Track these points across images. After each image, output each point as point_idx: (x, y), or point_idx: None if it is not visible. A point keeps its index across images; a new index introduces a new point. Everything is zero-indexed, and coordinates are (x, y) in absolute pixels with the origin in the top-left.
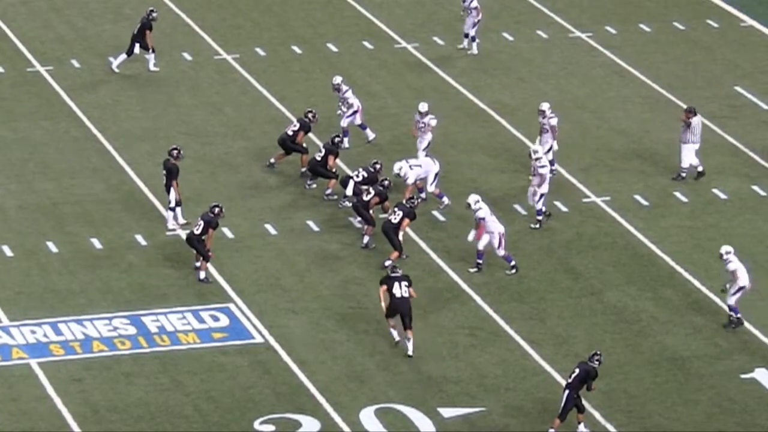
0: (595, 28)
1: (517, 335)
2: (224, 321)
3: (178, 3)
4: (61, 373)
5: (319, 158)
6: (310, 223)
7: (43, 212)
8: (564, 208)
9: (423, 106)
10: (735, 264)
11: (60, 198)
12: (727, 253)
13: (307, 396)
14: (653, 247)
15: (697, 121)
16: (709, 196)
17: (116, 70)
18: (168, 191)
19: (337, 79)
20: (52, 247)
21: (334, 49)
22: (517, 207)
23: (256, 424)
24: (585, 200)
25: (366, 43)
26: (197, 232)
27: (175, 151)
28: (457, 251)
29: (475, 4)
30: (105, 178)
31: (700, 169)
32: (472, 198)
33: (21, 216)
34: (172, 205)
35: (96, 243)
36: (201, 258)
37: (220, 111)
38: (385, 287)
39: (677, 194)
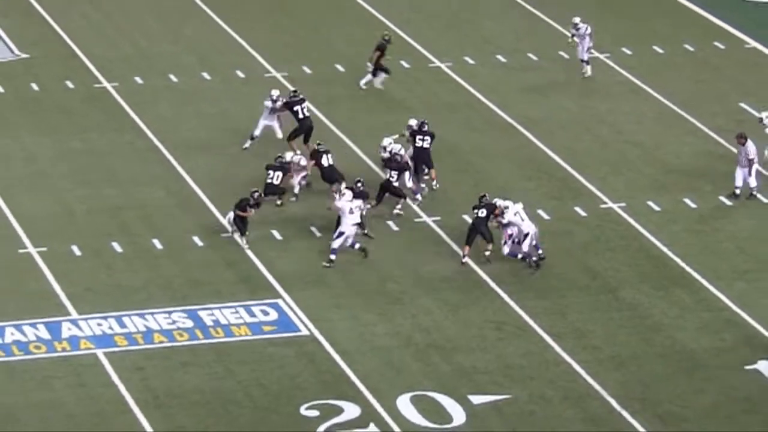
0: (612, 50)
1: (540, 329)
2: (273, 315)
3: (232, 24)
4: (124, 362)
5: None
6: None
7: (109, 215)
8: (583, 213)
9: (385, 141)
10: (509, 216)
11: (124, 203)
12: (505, 208)
13: (348, 384)
14: (665, 249)
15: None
16: (716, 202)
17: (363, 87)
18: (231, 215)
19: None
20: (117, 247)
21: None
22: (540, 212)
23: (302, 410)
24: (602, 206)
25: (403, 62)
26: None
27: (256, 194)
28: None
29: (589, 31)
30: (165, 185)
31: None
32: (501, 202)
33: (89, 219)
34: (230, 228)
35: (157, 243)
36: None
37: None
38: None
39: (687, 201)
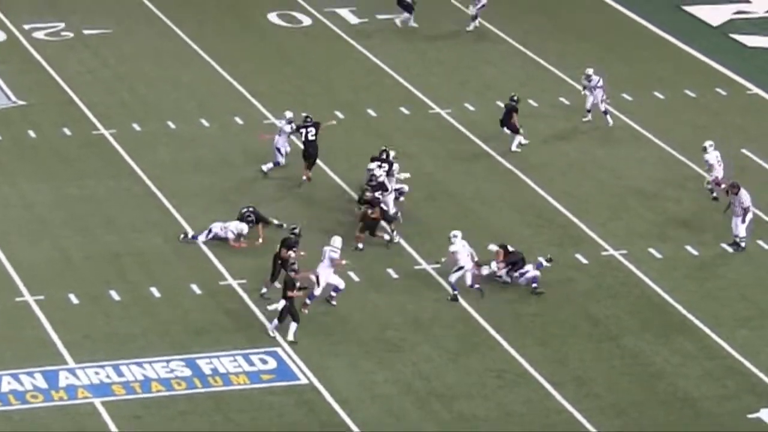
0: (613, 95)
1: (541, 377)
2: (272, 363)
3: (230, 70)
4: (122, 411)
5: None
6: (351, 274)
7: (106, 263)
8: (584, 261)
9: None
10: (456, 246)
11: (122, 250)
12: (454, 236)
13: None
14: (666, 296)
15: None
16: (718, 249)
17: (515, 149)
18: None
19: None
20: (115, 294)
21: (374, 113)
22: (542, 259)
23: None
24: (603, 253)
25: (403, 109)
26: (276, 251)
27: (297, 228)
28: (486, 300)
29: (601, 83)
30: (163, 232)
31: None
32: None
33: (86, 266)
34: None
35: (155, 291)
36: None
37: (270, 171)
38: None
39: (688, 248)
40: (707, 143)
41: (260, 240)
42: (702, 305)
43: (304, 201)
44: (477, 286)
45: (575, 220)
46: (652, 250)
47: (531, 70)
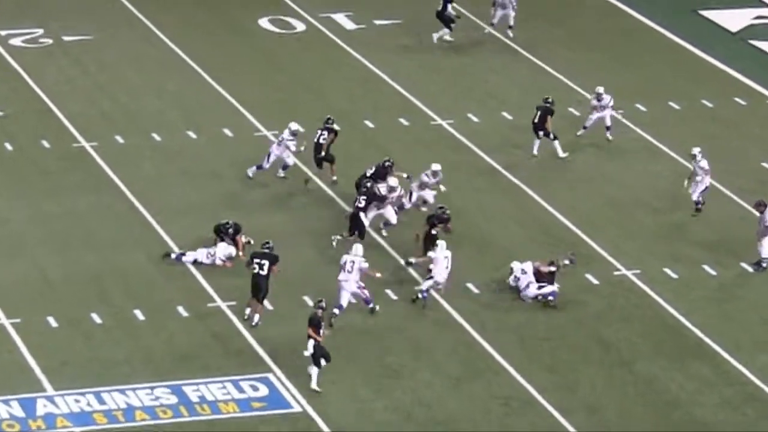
0: (626, 106)
1: (549, 405)
2: (263, 390)
3: (219, 79)
4: None
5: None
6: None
7: (87, 283)
8: (595, 281)
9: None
10: (436, 254)
11: (104, 269)
12: (435, 244)
13: None
14: (682, 318)
15: None
16: (737, 269)
17: (559, 155)
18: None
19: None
20: (96, 317)
21: (371, 125)
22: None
23: None
24: (616, 273)
25: (402, 120)
26: (264, 273)
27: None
28: (491, 323)
29: (612, 102)
30: (147, 250)
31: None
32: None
33: (66, 287)
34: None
35: (138, 314)
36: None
37: (262, 185)
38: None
39: (706, 267)
40: (696, 150)
41: (241, 254)
42: (720, 328)
43: (296, 215)
44: (424, 295)
45: (585, 237)
46: (666, 270)
47: (537, 78)
